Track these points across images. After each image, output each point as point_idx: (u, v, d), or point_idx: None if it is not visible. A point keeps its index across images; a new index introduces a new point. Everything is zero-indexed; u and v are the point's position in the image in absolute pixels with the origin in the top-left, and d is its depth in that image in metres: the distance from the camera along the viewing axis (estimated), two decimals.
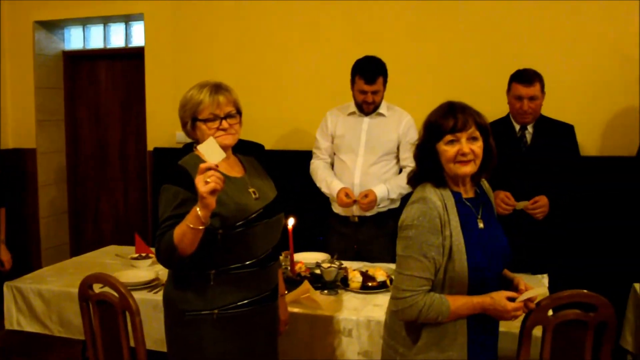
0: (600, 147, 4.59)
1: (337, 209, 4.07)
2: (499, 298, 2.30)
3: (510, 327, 2.68)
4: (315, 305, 3.07)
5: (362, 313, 2.99)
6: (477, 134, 2.33)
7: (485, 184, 2.58)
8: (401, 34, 4.85)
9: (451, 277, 2.29)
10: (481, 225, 2.38)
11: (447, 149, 2.32)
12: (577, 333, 2.52)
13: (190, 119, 2.55)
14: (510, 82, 3.85)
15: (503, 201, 3.66)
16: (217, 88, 2.55)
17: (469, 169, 2.34)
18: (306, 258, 3.69)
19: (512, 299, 2.32)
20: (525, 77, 3.77)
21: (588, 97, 4.55)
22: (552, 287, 3.20)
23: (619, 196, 4.41)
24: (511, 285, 2.48)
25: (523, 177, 3.73)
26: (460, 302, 2.29)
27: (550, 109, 4.05)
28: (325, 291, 3.26)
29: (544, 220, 3.74)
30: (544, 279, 3.48)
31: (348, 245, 4.01)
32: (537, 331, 2.55)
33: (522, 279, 2.52)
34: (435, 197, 2.32)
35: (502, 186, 3.68)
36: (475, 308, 2.30)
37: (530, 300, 2.39)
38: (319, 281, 3.33)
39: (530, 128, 3.84)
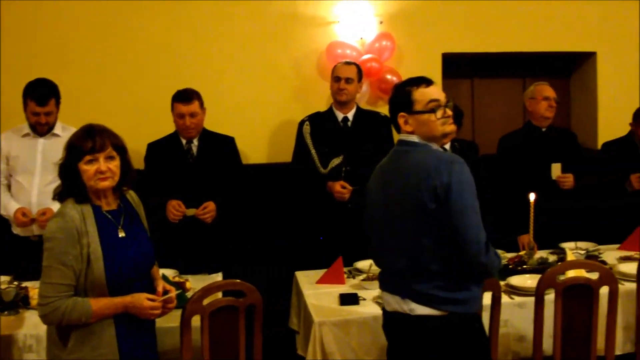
0: (267, 155, 5.17)
1: (16, 229, 4.09)
2: (138, 298, 2.60)
3: (170, 322, 2.98)
4: None
5: (41, 327, 3.08)
6: (114, 153, 2.61)
7: (134, 197, 2.85)
8: (77, 55, 4.91)
9: (91, 281, 2.54)
10: (122, 234, 2.66)
11: (87, 169, 2.56)
12: (231, 317, 2.93)
13: None
14: (172, 102, 4.13)
15: (174, 208, 3.97)
16: None
17: (107, 183, 2.60)
18: None
19: (152, 300, 2.63)
20: (185, 96, 4.10)
21: (252, 112, 5.09)
22: None
23: (285, 201, 4.94)
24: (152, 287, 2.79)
25: (192, 186, 4.07)
26: (102, 303, 2.55)
27: (220, 124, 4.49)
28: (6, 312, 3.30)
29: (218, 226, 4.10)
30: (218, 276, 3.85)
31: (30, 265, 4.00)
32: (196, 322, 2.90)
33: (162, 282, 2.85)
34: (74, 212, 2.56)
35: (175, 195, 4.01)
36: (117, 307, 2.58)
37: (167, 302, 2.70)
38: None
39: (195, 141, 4.20)
